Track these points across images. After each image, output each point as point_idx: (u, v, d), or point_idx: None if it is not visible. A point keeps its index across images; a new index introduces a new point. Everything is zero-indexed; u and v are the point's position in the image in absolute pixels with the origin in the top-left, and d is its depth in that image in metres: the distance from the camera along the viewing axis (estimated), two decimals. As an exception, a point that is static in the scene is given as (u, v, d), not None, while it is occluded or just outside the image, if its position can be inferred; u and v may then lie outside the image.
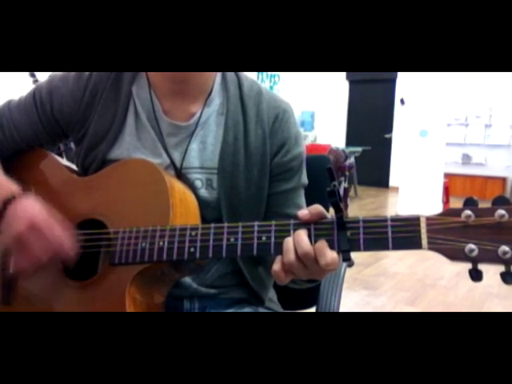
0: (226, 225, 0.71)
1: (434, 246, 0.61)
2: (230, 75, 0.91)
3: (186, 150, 0.87)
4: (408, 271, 3.81)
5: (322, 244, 0.65)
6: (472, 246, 0.59)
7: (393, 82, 9.10)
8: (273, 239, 0.68)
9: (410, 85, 6.60)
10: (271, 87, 8.74)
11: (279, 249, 0.67)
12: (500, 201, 0.60)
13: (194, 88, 0.87)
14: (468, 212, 0.60)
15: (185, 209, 0.79)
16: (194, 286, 0.89)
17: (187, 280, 0.88)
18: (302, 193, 0.94)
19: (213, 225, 0.72)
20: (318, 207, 0.67)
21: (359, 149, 7.63)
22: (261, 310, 0.95)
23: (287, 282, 0.69)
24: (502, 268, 0.59)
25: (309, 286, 0.84)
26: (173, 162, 0.87)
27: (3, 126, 0.92)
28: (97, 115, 0.87)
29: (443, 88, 5.97)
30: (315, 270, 0.66)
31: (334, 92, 9.76)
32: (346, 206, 6.00)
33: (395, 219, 0.64)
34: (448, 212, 0.62)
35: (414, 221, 0.63)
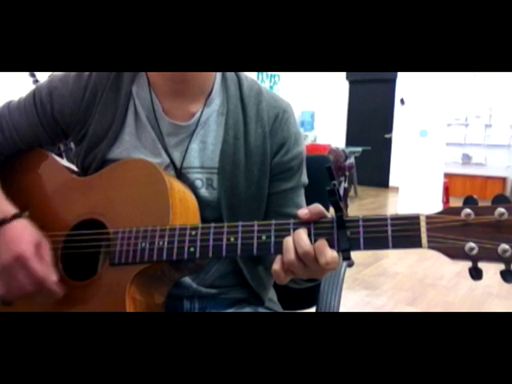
0: (225, 224, 0.71)
1: (433, 245, 0.61)
2: (230, 75, 0.91)
3: (187, 149, 0.87)
4: (408, 271, 3.81)
5: (322, 243, 0.65)
6: (472, 244, 0.59)
7: (393, 82, 9.11)
8: (273, 238, 0.68)
9: (410, 85, 6.61)
10: (271, 87, 8.75)
11: (279, 248, 0.67)
12: (500, 199, 0.60)
13: (194, 88, 0.87)
14: (468, 210, 0.60)
15: (185, 209, 0.79)
16: (193, 286, 0.89)
17: (187, 280, 0.88)
18: (302, 192, 0.94)
19: (213, 224, 0.72)
20: (317, 206, 0.67)
21: (359, 149, 7.63)
22: (261, 310, 0.95)
23: (287, 282, 0.69)
24: (502, 267, 0.59)
25: (308, 285, 0.84)
26: (173, 162, 0.87)
27: (3, 127, 0.91)
28: (97, 115, 0.87)
29: (443, 88, 5.97)
30: (315, 269, 0.66)
31: (333, 92, 9.76)
32: (346, 206, 6.00)
33: (395, 218, 0.64)
34: (448, 210, 0.62)
35: (413, 219, 0.62)
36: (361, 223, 0.65)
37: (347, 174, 6.54)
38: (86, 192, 0.85)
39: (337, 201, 0.64)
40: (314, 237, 0.66)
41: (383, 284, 3.46)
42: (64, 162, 0.94)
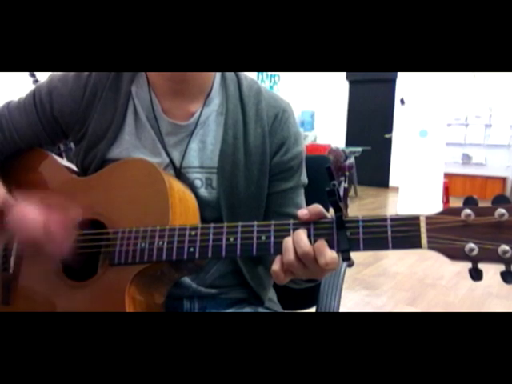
0: (225, 224, 0.71)
1: (433, 246, 0.61)
2: (230, 75, 0.91)
3: (186, 149, 0.87)
4: (408, 271, 3.81)
5: (322, 243, 0.64)
6: (472, 245, 0.59)
7: (393, 82, 9.10)
8: (272, 239, 0.68)
9: (410, 85, 6.61)
10: (271, 87, 8.75)
11: (279, 249, 0.67)
12: (500, 200, 0.60)
13: (193, 88, 0.87)
14: (468, 211, 0.60)
15: (184, 209, 0.79)
16: (193, 286, 0.89)
17: (187, 280, 0.88)
18: (302, 192, 0.94)
19: (212, 225, 0.72)
20: (317, 207, 0.67)
21: (359, 149, 7.63)
22: (261, 310, 0.95)
23: (286, 282, 0.69)
24: (502, 267, 0.59)
25: (308, 285, 0.84)
26: (172, 162, 0.87)
27: (3, 127, 0.92)
28: (96, 115, 0.87)
29: (443, 88, 5.97)
30: (315, 269, 0.66)
31: (334, 92, 9.76)
32: (346, 206, 6.00)
33: (395, 219, 0.63)
34: (448, 211, 0.62)
35: (413, 220, 0.62)
36: (360, 224, 0.65)
37: (347, 174, 6.54)
38: (85, 192, 0.85)
39: (336, 201, 0.64)
40: (313, 237, 0.66)
41: (383, 284, 3.46)
42: (64, 161, 0.94)
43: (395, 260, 4.07)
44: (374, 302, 3.08)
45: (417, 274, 3.74)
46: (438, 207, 5.77)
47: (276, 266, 0.67)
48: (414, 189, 6.07)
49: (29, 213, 0.77)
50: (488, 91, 8.31)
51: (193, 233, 0.72)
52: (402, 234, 0.63)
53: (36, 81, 3.50)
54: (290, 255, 0.65)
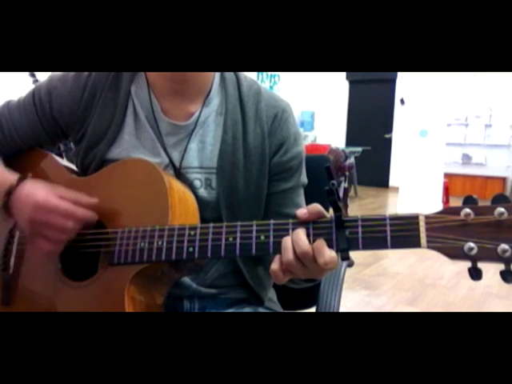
0: (224, 224, 0.71)
1: (433, 245, 0.61)
2: (229, 75, 0.91)
3: (185, 149, 0.87)
4: (408, 271, 3.81)
5: (321, 243, 0.64)
6: (471, 244, 0.59)
7: (393, 82, 9.10)
8: (271, 238, 0.68)
9: (410, 85, 6.61)
10: (271, 87, 8.75)
11: (278, 248, 0.67)
12: (500, 199, 0.60)
13: (193, 88, 0.87)
14: (467, 210, 0.60)
15: (184, 209, 0.79)
16: (193, 286, 0.89)
17: (187, 280, 0.88)
18: (302, 192, 0.94)
19: (211, 224, 0.72)
20: (316, 206, 0.67)
21: (359, 149, 7.63)
22: (261, 309, 0.95)
23: (285, 282, 0.69)
24: (501, 267, 0.59)
25: (307, 285, 0.84)
26: (172, 162, 0.87)
27: (3, 127, 0.92)
28: (96, 115, 0.87)
29: (443, 88, 5.97)
30: (314, 269, 0.66)
31: (334, 92, 9.76)
32: (346, 206, 6.00)
33: (394, 218, 0.63)
34: (447, 210, 0.62)
35: (412, 219, 0.62)
36: (359, 223, 0.65)
37: (347, 173, 6.53)
38: (85, 192, 0.85)
39: (335, 201, 0.64)
40: (312, 237, 0.66)
41: (383, 284, 3.46)
42: (64, 161, 0.94)
43: (395, 260, 4.07)
44: (373, 301, 3.08)
45: (417, 274, 3.74)
46: (438, 207, 5.74)
47: (275, 266, 0.67)
48: (414, 189, 6.07)
49: (37, 192, 0.77)
50: (488, 91, 8.31)
51: (192, 232, 0.72)
52: (401, 233, 0.62)
53: (36, 81, 3.50)
54: (289, 255, 0.65)
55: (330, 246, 0.65)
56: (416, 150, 6.06)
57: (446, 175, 6.62)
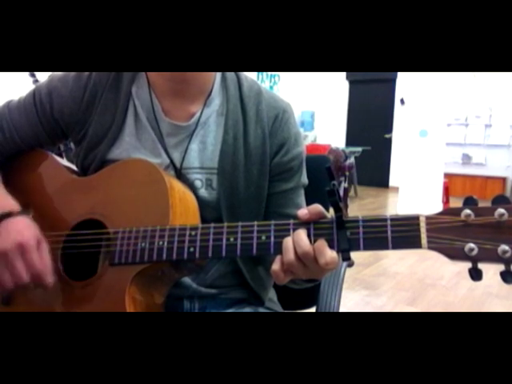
0: (225, 224, 0.71)
1: (433, 246, 0.61)
2: (230, 75, 0.91)
3: (186, 150, 0.87)
4: (408, 271, 3.81)
5: (322, 243, 0.65)
6: (472, 245, 0.59)
7: (393, 82, 9.10)
8: (272, 239, 0.68)
9: (410, 85, 6.61)
10: (271, 87, 8.75)
11: (279, 248, 0.67)
12: (500, 200, 0.60)
13: (193, 88, 0.87)
14: (468, 211, 0.60)
15: (184, 209, 0.79)
16: (193, 286, 0.89)
17: (187, 280, 0.88)
18: (302, 193, 0.94)
19: (212, 224, 0.72)
20: (317, 207, 0.67)
21: (359, 149, 7.63)
22: (261, 310, 0.95)
23: (286, 282, 0.69)
24: (501, 267, 0.59)
25: (307, 285, 0.84)
26: (172, 162, 0.87)
27: (3, 127, 0.91)
28: (96, 115, 0.87)
29: (443, 88, 5.97)
30: (315, 269, 0.66)
31: (334, 92, 9.76)
32: (346, 206, 6.00)
33: (395, 218, 0.63)
34: (448, 211, 0.62)
35: (413, 220, 0.62)
36: (360, 224, 0.65)
37: (347, 173, 6.54)
38: (86, 192, 0.85)
39: (336, 201, 0.64)
40: (313, 237, 0.66)
41: (383, 284, 3.46)
42: (64, 161, 0.94)
43: (395, 260, 4.07)
44: (373, 302, 3.08)
45: (417, 273, 3.74)
46: (438, 207, 5.77)
47: (276, 266, 0.67)
48: (414, 189, 6.07)
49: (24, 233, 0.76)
50: (488, 91, 8.31)
51: (193, 233, 0.72)
52: (402, 233, 0.63)
53: (36, 81, 3.50)
54: (290, 255, 0.65)
55: (331, 247, 0.65)
56: (416, 149, 6.06)
57: (446, 175, 6.62)
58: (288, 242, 0.66)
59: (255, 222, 0.70)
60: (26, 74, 3.51)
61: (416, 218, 0.62)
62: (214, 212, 0.86)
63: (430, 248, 0.61)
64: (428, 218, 0.62)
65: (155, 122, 0.87)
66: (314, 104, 9.78)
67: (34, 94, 0.91)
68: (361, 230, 0.64)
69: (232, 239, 0.70)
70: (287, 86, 9.11)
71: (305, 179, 0.94)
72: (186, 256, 0.72)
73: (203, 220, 0.82)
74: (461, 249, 0.60)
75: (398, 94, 8.93)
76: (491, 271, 0.63)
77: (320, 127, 9.77)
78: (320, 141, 8.92)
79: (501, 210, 0.59)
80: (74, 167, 0.93)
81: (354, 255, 0.65)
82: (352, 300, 3.07)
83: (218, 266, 0.91)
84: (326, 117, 9.82)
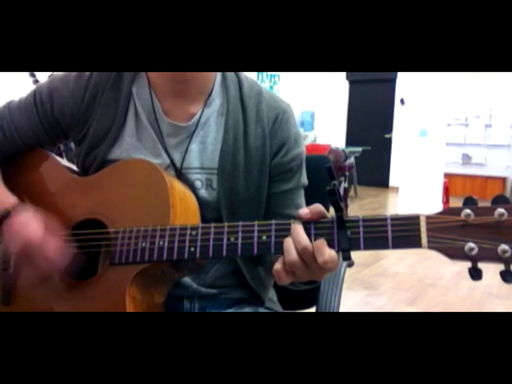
0: (226, 224, 0.71)
1: (433, 245, 0.61)
2: (230, 75, 0.91)
3: (186, 150, 0.87)
4: (408, 271, 3.81)
5: (321, 242, 0.64)
6: (472, 244, 0.59)
7: (393, 81, 9.11)
8: (273, 238, 0.68)
9: (410, 85, 6.61)
10: (271, 87, 8.75)
11: (279, 248, 0.67)
12: (500, 200, 0.60)
13: (194, 88, 0.87)
14: (468, 211, 0.60)
15: (185, 209, 0.79)
16: (194, 286, 0.89)
17: (187, 280, 0.88)
18: (302, 193, 0.94)
19: (213, 224, 0.72)
20: (318, 206, 0.67)
21: (359, 149, 7.63)
22: (261, 310, 0.95)
23: (287, 283, 0.69)
24: (501, 267, 0.59)
25: (307, 288, 0.84)
26: (173, 163, 0.87)
27: (3, 127, 0.92)
28: (97, 116, 0.87)
29: (443, 88, 5.97)
30: (316, 269, 0.66)
31: (334, 92, 9.76)
32: (346, 206, 6.00)
33: (395, 218, 0.64)
34: (448, 211, 0.62)
35: (413, 220, 0.62)
36: (361, 223, 0.65)
37: (347, 173, 6.54)
38: (86, 192, 0.85)
39: (337, 201, 0.64)
40: (314, 237, 0.66)
41: (383, 284, 3.46)
42: (64, 161, 0.94)
43: (395, 260, 4.07)
44: (373, 302, 3.08)
45: (417, 273, 3.74)
46: (438, 207, 5.77)
47: (278, 266, 0.67)
48: (414, 189, 6.07)
49: (30, 226, 0.76)
50: (488, 91, 8.31)
51: (194, 232, 0.72)
52: (402, 233, 0.63)
53: (36, 81, 3.49)
54: (292, 254, 0.65)
55: (332, 246, 0.65)
56: (416, 149, 6.07)
57: (446, 175, 6.63)
58: (289, 242, 0.66)
59: (256, 222, 0.70)
60: (26, 74, 3.50)
61: (416, 218, 0.62)
62: (214, 212, 0.86)
63: (430, 247, 0.61)
64: (428, 217, 0.62)
65: (155, 123, 0.87)
66: (314, 104, 9.78)
67: (34, 94, 0.91)
68: (361, 229, 0.64)
69: (233, 239, 0.70)
70: (287, 85, 9.11)
71: (305, 179, 0.94)
72: (186, 256, 0.72)
73: (203, 220, 0.82)
74: (461, 248, 0.60)
75: (398, 94, 8.93)
76: (491, 271, 0.63)
77: (320, 127, 9.77)
78: (320, 141, 8.93)
79: (500, 210, 0.59)
80: (74, 167, 0.93)
81: (353, 255, 0.65)
82: (352, 300, 3.07)
83: (218, 266, 0.91)
84: (325, 117, 9.82)
